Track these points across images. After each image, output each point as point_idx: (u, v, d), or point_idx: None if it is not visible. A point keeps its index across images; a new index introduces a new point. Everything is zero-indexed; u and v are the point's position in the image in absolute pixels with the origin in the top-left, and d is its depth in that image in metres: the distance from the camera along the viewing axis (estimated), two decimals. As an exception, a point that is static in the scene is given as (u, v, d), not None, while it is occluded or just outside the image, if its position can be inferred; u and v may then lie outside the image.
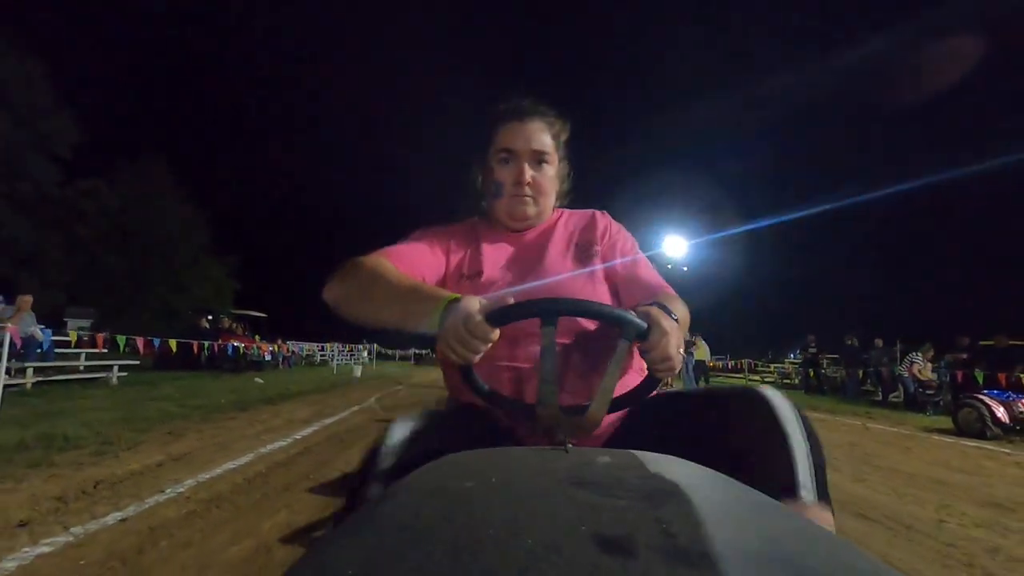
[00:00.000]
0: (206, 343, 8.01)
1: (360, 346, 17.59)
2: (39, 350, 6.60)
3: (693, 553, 0.27)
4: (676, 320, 0.68)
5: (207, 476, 2.92)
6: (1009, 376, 7.10)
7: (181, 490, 2.64)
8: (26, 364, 6.31)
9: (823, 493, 0.59)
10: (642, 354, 0.65)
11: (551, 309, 0.62)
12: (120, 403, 5.57)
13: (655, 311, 0.65)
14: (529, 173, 0.91)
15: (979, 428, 5.91)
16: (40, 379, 6.53)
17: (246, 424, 4.84)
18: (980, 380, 7.47)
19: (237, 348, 9.39)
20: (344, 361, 16.15)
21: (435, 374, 15.75)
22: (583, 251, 0.94)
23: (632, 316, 0.62)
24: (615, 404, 0.65)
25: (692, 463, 0.47)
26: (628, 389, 0.70)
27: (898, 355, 9.87)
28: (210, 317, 12.47)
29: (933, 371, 8.39)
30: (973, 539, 2.43)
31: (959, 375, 8.04)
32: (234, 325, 12.38)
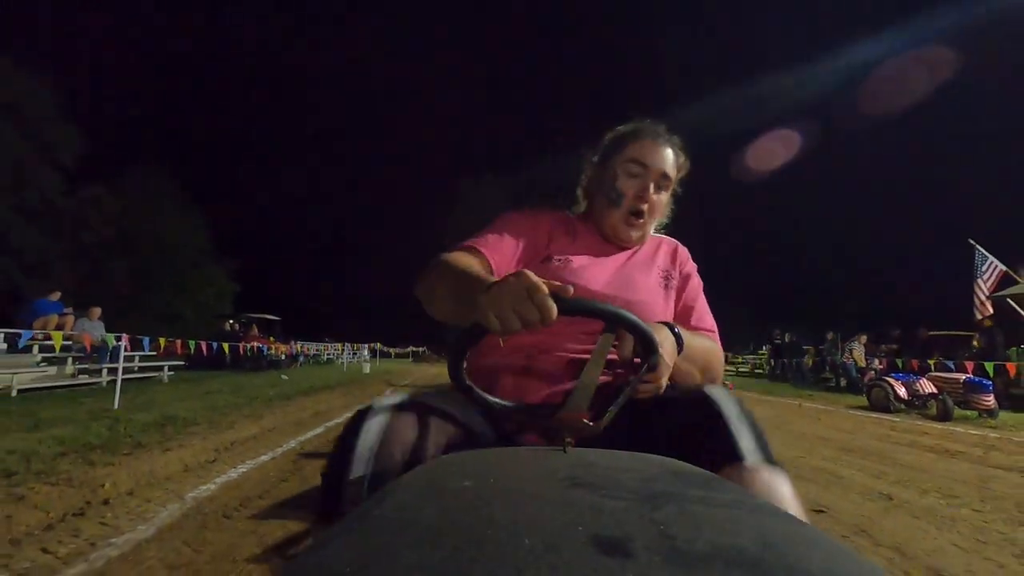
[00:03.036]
0: (249, 345, 9.24)
1: (364, 346, 18.79)
2: (108, 353, 7.80)
3: (691, 554, 0.27)
4: (681, 341, 0.79)
5: (303, 438, 4.21)
6: (921, 363, 8.56)
7: (293, 445, 3.93)
8: (102, 365, 7.53)
9: (767, 456, 0.67)
10: (640, 380, 0.69)
11: (621, 320, 0.63)
12: (188, 396, 6.80)
13: (663, 334, 0.75)
14: (652, 193, 0.94)
15: (886, 404, 7.34)
16: (111, 378, 7.74)
17: (300, 410, 6.11)
18: (901, 366, 8.94)
19: (270, 349, 10.63)
20: (350, 359, 17.38)
21: (433, 370, 17.02)
22: (664, 278, 0.98)
23: (659, 348, 0.67)
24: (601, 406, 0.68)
25: (690, 465, 0.49)
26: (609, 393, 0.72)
27: (839, 345, 11.34)
28: (231, 321, 13.67)
29: (866, 357, 9.88)
30: (810, 466, 3.80)
31: (884, 362, 9.52)
32: (255, 328, 13.56)
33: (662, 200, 0.97)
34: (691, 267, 1.05)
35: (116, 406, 5.32)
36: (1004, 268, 8.53)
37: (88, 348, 6.49)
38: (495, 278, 0.66)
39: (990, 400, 6.40)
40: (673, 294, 0.98)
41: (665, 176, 0.95)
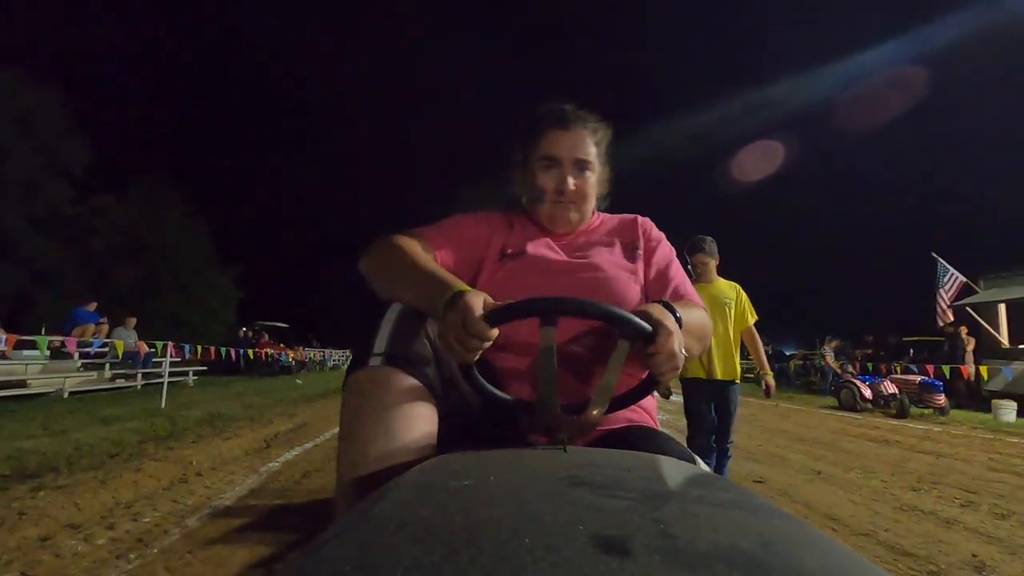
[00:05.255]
0: (268, 351, 9.94)
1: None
2: (142, 360, 8.49)
3: (692, 554, 0.27)
4: (679, 319, 0.70)
5: (336, 431, 4.91)
6: (889, 365, 9.29)
7: (328, 436, 4.63)
8: (137, 370, 8.22)
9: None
10: (646, 356, 0.63)
11: (552, 309, 0.61)
12: (219, 397, 7.49)
13: (658, 310, 0.67)
14: (571, 181, 0.93)
15: (853, 404, 8.05)
16: (145, 383, 8.44)
17: (323, 408, 6.82)
18: (871, 369, 9.68)
19: (288, 356, 11.33)
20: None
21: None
22: (628, 250, 0.96)
23: (635, 317, 0.62)
24: (615, 404, 0.66)
25: (691, 465, 0.49)
26: (627, 390, 0.70)
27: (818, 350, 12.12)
28: (244, 329, 14.37)
29: (837, 360, 10.65)
30: (764, 451, 4.51)
31: (857, 365, 10.26)
32: (267, 336, 14.25)
33: (587, 182, 0.95)
34: (658, 235, 1.03)
35: (163, 406, 6.01)
36: (964, 279, 9.31)
37: (142, 355, 7.18)
38: (452, 282, 0.69)
39: (941, 399, 7.12)
40: (641, 264, 0.95)
41: (581, 161, 0.94)
